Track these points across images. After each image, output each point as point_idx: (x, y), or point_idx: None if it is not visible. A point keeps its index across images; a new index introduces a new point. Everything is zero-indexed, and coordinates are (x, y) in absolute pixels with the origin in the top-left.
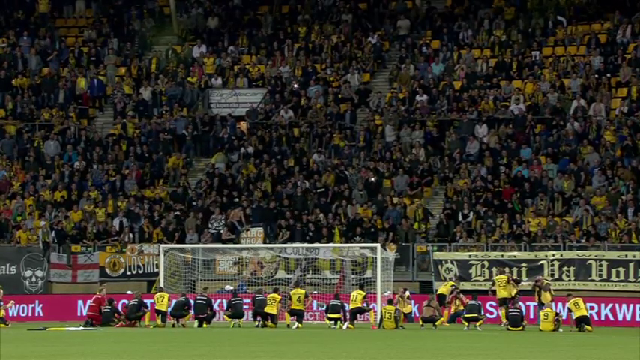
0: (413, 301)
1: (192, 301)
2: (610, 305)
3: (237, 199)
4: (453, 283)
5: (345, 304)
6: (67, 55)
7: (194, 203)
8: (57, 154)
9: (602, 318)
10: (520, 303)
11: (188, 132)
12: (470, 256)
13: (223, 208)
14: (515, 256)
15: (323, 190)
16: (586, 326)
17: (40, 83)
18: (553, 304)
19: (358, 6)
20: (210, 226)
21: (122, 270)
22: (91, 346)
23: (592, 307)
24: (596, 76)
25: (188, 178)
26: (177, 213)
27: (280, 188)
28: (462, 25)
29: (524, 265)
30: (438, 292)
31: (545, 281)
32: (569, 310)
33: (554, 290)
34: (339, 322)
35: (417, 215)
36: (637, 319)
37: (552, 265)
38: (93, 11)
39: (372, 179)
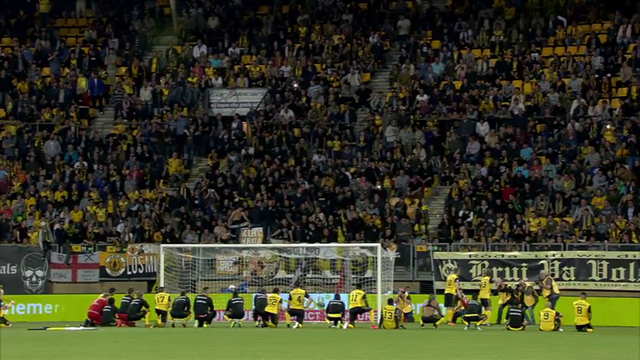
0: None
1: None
2: (610, 305)
3: (237, 199)
4: (456, 277)
5: (346, 304)
6: (68, 55)
7: (195, 202)
8: (57, 154)
9: (602, 318)
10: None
11: (189, 132)
12: (470, 256)
13: (223, 209)
14: (515, 256)
15: (324, 198)
16: (587, 329)
17: (40, 85)
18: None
19: (358, 6)
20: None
21: (122, 270)
22: (91, 346)
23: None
24: (597, 76)
25: (189, 179)
26: (180, 211)
27: (281, 189)
28: (463, 25)
29: (524, 265)
30: (446, 292)
31: (528, 284)
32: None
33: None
34: (339, 322)
35: (418, 216)
36: (637, 318)
37: (553, 265)
38: (93, 11)
39: (378, 186)
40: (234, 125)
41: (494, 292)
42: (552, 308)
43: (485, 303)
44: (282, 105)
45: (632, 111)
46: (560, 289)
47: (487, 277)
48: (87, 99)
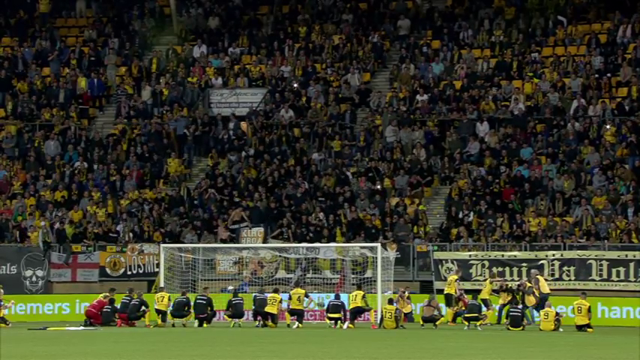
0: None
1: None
2: (610, 305)
3: (237, 200)
4: (456, 277)
5: (346, 304)
6: (68, 55)
7: (194, 202)
8: (57, 154)
9: (602, 318)
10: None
11: (189, 132)
12: (470, 256)
13: (223, 209)
14: (515, 256)
15: (324, 198)
16: (587, 329)
17: (40, 85)
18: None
19: (359, 6)
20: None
21: (122, 270)
22: (91, 346)
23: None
24: (597, 76)
25: (188, 179)
26: (180, 211)
27: (281, 189)
28: (463, 25)
29: (524, 265)
30: (445, 293)
31: (528, 285)
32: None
33: (554, 290)
34: (339, 322)
35: (417, 216)
36: (637, 319)
37: (553, 264)
38: (93, 11)
39: (378, 186)
40: (230, 126)
41: (495, 292)
42: (542, 307)
43: (485, 303)
44: (282, 105)
45: (632, 111)
46: (560, 289)
47: (488, 280)
48: (87, 99)
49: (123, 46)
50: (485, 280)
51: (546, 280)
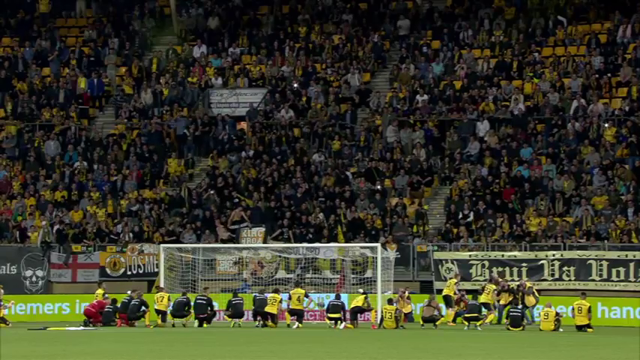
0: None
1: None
2: (610, 305)
3: (237, 200)
4: (456, 280)
5: (346, 304)
6: (68, 55)
7: (194, 202)
8: (57, 154)
9: (602, 318)
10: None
11: (190, 132)
12: (470, 256)
13: (223, 209)
14: (515, 256)
15: (324, 198)
16: (587, 329)
17: (40, 85)
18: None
19: (358, 6)
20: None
21: (122, 270)
22: (91, 346)
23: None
24: (597, 76)
25: (188, 179)
26: (181, 211)
27: (280, 189)
28: (463, 25)
29: (524, 265)
30: (444, 294)
31: (529, 285)
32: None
33: (555, 290)
34: (338, 322)
35: (418, 216)
36: (637, 319)
37: (553, 265)
38: (93, 11)
39: (378, 186)
40: (226, 128)
41: (496, 293)
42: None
43: (487, 307)
44: (282, 105)
45: (632, 111)
46: (560, 289)
47: (492, 286)
48: (87, 99)
49: (123, 46)
50: (485, 280)
51: (546, 280)
